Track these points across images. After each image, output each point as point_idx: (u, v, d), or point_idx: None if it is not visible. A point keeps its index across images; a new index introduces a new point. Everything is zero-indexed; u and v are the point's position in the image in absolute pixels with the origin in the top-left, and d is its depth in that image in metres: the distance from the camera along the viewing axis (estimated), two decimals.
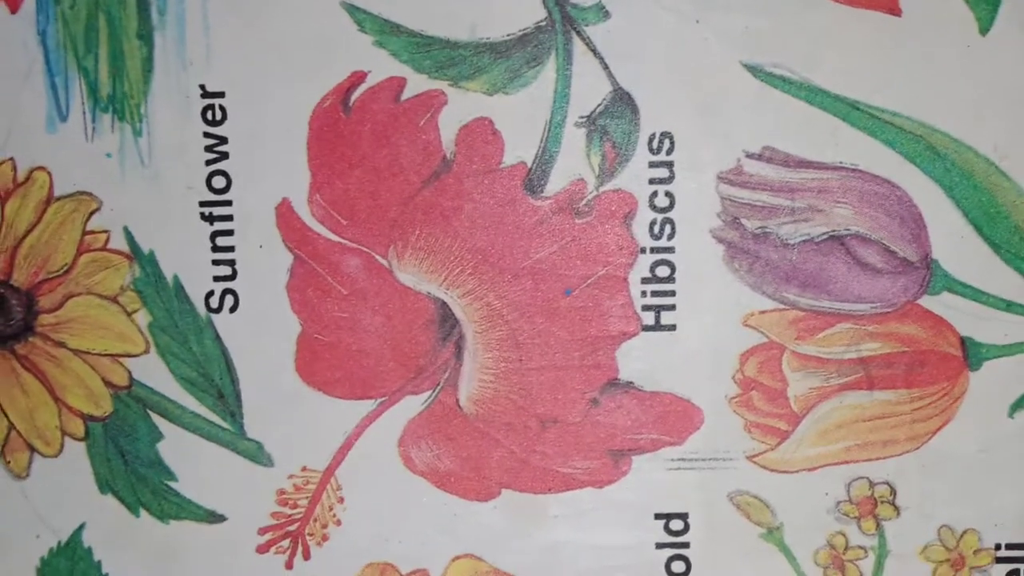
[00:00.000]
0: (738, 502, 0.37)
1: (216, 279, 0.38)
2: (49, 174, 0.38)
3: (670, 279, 0.37)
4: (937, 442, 0.36)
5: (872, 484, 0.37)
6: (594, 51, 0.36)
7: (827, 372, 0.36)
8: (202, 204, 0.37)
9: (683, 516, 0.38)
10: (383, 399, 0.38)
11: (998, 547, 0.37)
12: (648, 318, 0.37)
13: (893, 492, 0.37)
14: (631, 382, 0.37)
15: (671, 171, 0.36)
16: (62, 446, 0.39)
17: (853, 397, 0.36)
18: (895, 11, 0.35)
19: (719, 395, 0.37)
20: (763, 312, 0.36)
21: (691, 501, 0.37)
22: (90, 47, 0.37)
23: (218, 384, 0.38)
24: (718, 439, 0.37)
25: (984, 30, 0.35)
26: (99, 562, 0.39)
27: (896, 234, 0.36)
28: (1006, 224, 0.35)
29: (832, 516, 0.37)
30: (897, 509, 0.37)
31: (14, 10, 0.37)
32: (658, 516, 0.38)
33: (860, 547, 0.37)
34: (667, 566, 0.38)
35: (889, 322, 0.36)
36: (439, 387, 0.38)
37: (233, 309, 0.38)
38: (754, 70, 0.36)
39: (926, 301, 0.36)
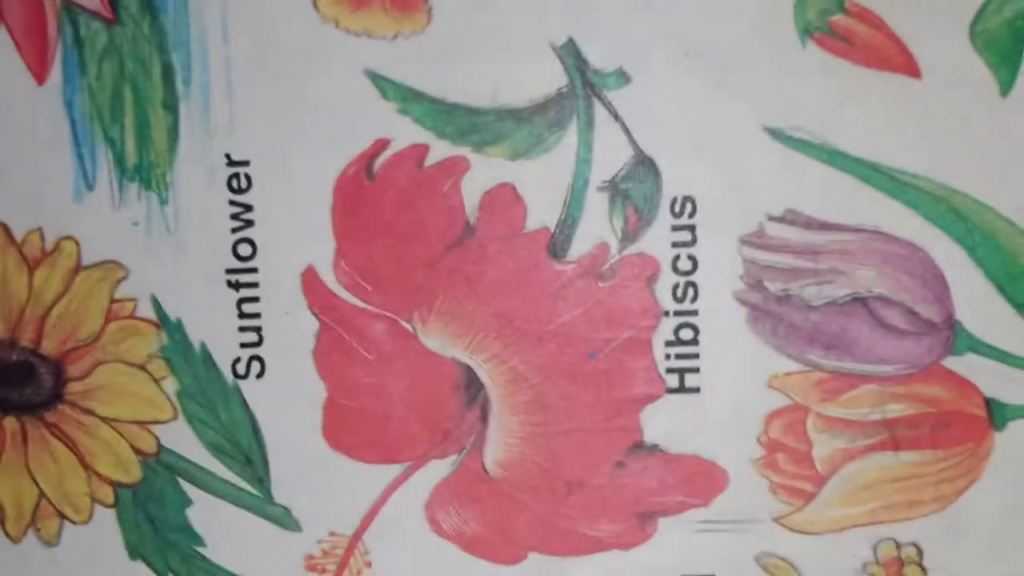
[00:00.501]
0: (765, 564, 0.37)
1: (243, 345, 0.38)
2: (77, 243, 0.38)
3: (694, 342, 0.37)
4: (963, 503, 0.36)
5: (899, 545, 0.37)
6: (615, 116, 0.36)
7: (852, 434, 0.36)
8: (228, 271, 0.38)
9: None
10: (409, 463, 0.38)
11: None
12: (672, 380, 0.37)
13: (920, 553, 0.37)
14: (656, 444, 0.37)
15: (693, 234, 0.36)
16: (92, 513, 0.39)
17: (878, 458, 0.36)
18: (915, 73, 0.35)
19: (744, 457, 0.37)
20: (787, 374, 0.37)
21: (718, 563, 0.38)
22: (116, 117, 0.37)
23: (245, 450, 0.38)
24: (744, 501, 0.37)
25: (1005, 91, 0.35)
26: None
27: (919, 295, 0.36)
28: None
29: None
30: (924, 571, 0.37)
31: (41, 81, 0.37)
32: None
33: None
34: None
35: (913, 383, 0.36)
36: (465, 451, 0.38)
37: (260, 375, 0.38)
38: (775, 133, 0.36)
39: (950, 362, 0.36)
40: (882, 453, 0.36)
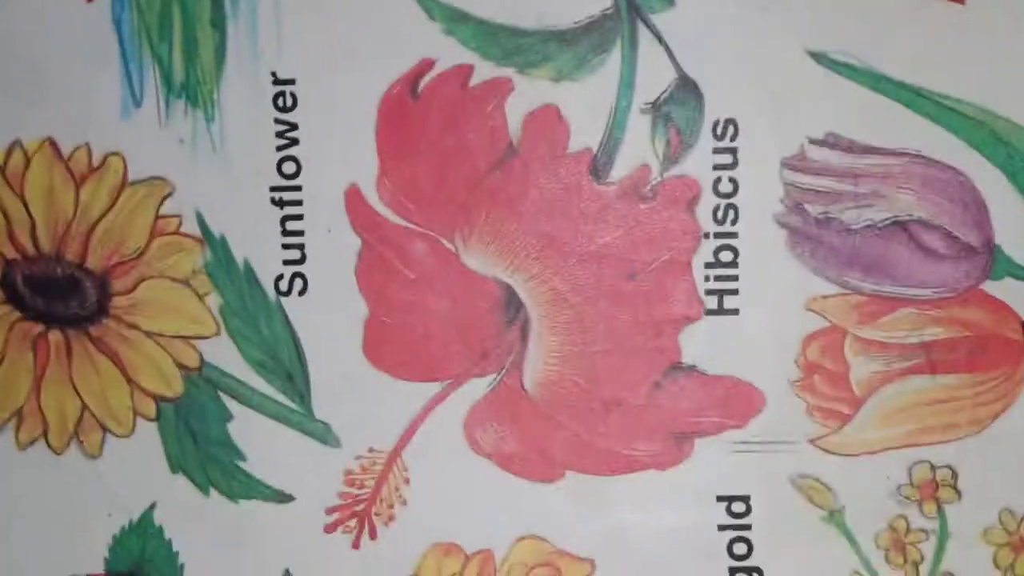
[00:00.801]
0: (800, 485, 0.38)
1: (286, 263, 0.38)
2: (123, 159, 0.38)
3: (733, 264, 0.37)
4: (999, 426, 0.37)
5: (934, 468, 0.37)
6: (659, 38, 0.36)
7: (889, 356, 0.37)
8: (272, 189, 0.38)
9: (745, 499, 0.38)
10: (449, 381, 0.38)
11: None
12: (711, 302, 0.37)
13: (954, 475, 0.37)
14: (694, 366, 0.38)
15: (735, 157, 0.37)
16: (134, 426, 0.40)
17: (915, 381, 0.37)
18: None
19: (781, 379, 0.37)
20: (825, 297, 0.37)
21: (753, 484, 0.38)
22: (164, 35, 0.38)
23: (287, 366, 0.39)
24: (780, 422, 0.37)
25: None
26: (170, 540, 0.40)
27: (958, 219, 0.36)
28: None
29: (893, 499, 0.37)
30: (958, 492, 0.37)
31: None
32: (720, 498, 0.38)
33: (921, 530, 0.37)
34: (729, 548, 0.38)
35: (951, 307, 0.36)
36: (504, 370, 0.38)
37: (302, 292, 0.38)
38: (819, 57, 0.36)
39: (988, 286, 0.36)
40: (919, 376, 0.37)
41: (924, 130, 0.36)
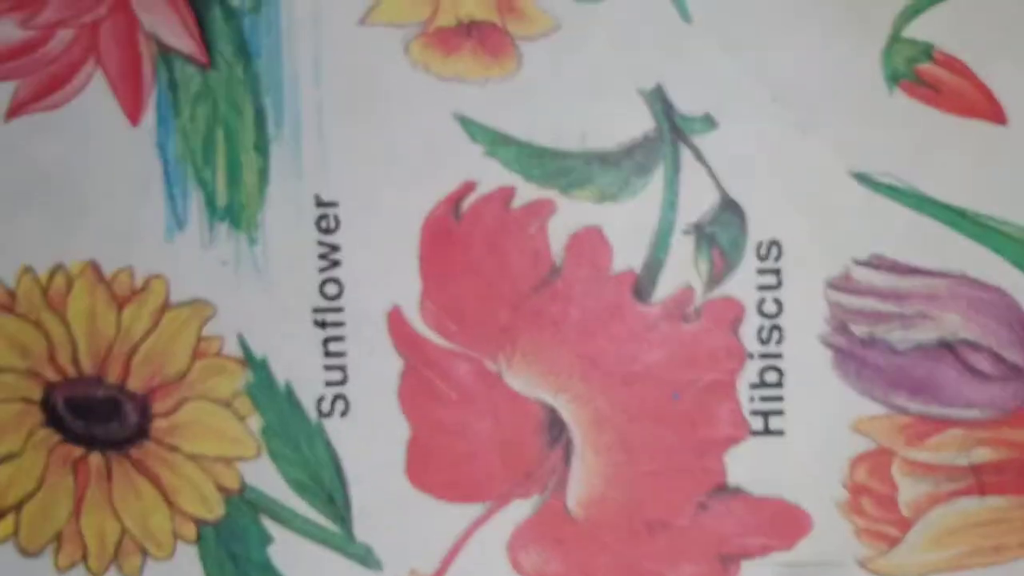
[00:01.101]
0: None
1: (328, 384, 0.38)
2: (166, 282, 0.38)
3: (778, 384, 0.37)
4: None
5: None
6: (701, 160, 0.37)
7: (937, 478, 0.36)
8: (315, 311, 0.38)
9: None
10: (492, 503, 0.38)
11: None
12: (756, 423, 0.37)
13: None
14: (739, 487, 0.37)
15: (779, 278, 0.37)
16: (174, 550, 0.39)
17: (964, 503, 0.36)
18: (1001, 120, 0.36)
19: (828, 500, 0.37)
20: (872, 418, 0.37)
21: None
22: (208, 159, 0.38)
23: (328, 488, 0.39)
24: (828, 544, 0.37)
25: None
26: None
27: (1005, 340, 0.36)
28: None
29: None
30: None
31: (135, 123, 0.38)
32: None
33: None
34: None
35: (1000, 428, 0.36)
36: (547, 491, 0.38)
37: (344, 414, 0.38)
38: (862, 178, 0.36)
39: None
40: (968, 498, 0.36)
41: (968, 251, 0.36)
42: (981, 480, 0.36)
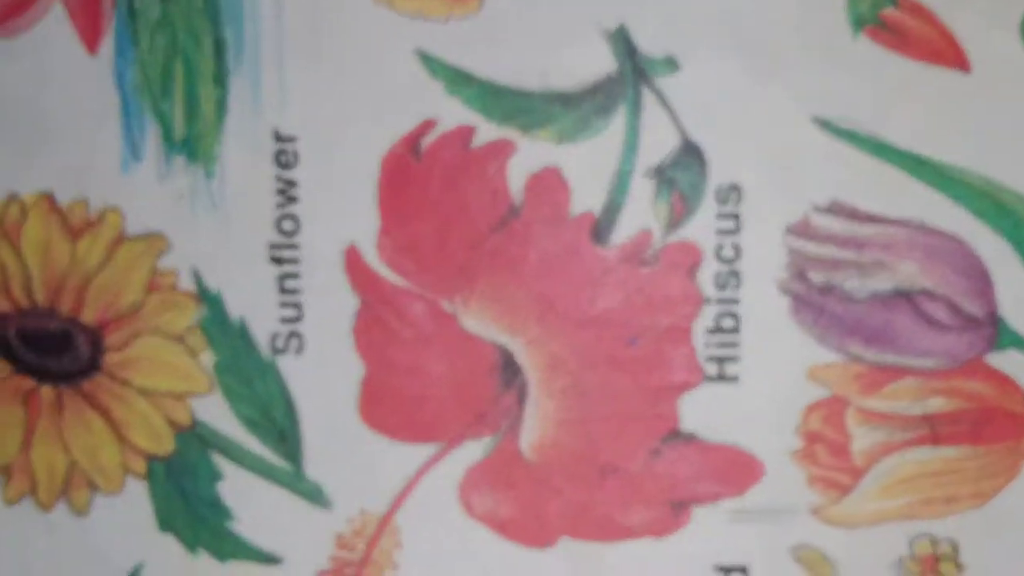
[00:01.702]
0: (800, 556, 0.37)
1: (282, 321, 0.38)
2: (121, 214, 0.38)
3: (735, 330, 0.37)
4: (1002, 500, 0.36)
5: (935, 541, 0.37)
6: (663, 102, 0.36)
7: (891, 427, 0.36)
8: (271, 246, 0.38)
9: (744, 569, 0.37)
10: (444, 444, 0.38)
11: None
12: (711, 369, 0.37)
13: (956, 550, 0.37)
14: (693, 433, 0.37)
15: (738, 223, 0.36)
16: (123, 484, 0.39)
17: (917, 453, 0.36)
18: (964, 67, 0.35)
19: (782, 448, 0.37)
20: (828, 366, 0.36)
21: (752, 553, 0.37)
22: (166, 90, 0.38)
23: (280, 425, 0.38)
24: (780, 492, 0.37)
25: None
26: None
27: (962, 290, 0.36)
28: None
29: (895, 572, 0.37)
30: (960, 567, 0.37)
31: (93, 51, 0.38)
32: (718, 568, 0.38)
33: None
34: None
35: (954, 378, 0.36)
36: (501, 433, 0.38)
37: (298, 351, 0.38)
38: (823, 124, 0.36)
39: (992, 358, 0.36)
40: (921, 448, 0.36)
41: (928, 199, 0.36)
42: (935, 430, 0.36)
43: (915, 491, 0.36)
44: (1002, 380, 0.36)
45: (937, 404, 0.36)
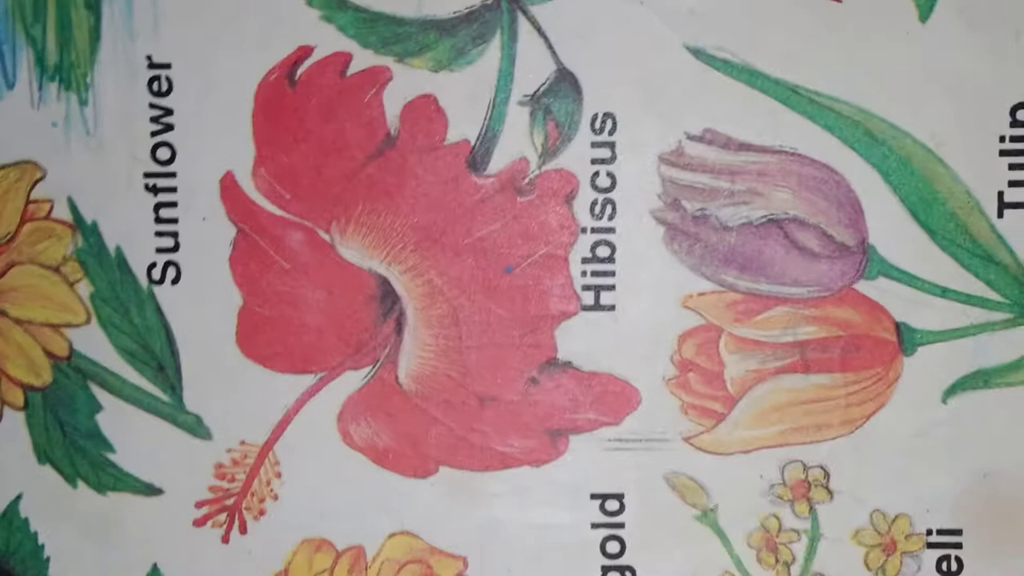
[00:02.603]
0: (673, 483, 0.37)
1: (159, 251, 0.38)
2: None
3: (610, 259, 0.37)
4: (871, 427, 0.37)
5: (806, 467, 0.37)
6: (539, 30, 0.36)
7: (764, 355, 0.37)
8: (146, 175, 0.38)
9: (619, 496, 0.38)
10: (323, 374, 0.38)
11: (929, 532, 0.37)
12: (588, 298, 0.37)
13: (827, 476, 0.37)
14: (570, 362, 0.37)
15: (613, 152, 0.36)
16: (1, 415, 0.39)
17: (789, 380, 0.37)
18: None
19: (657, 376, 0.37)
20: (702, 294, 0.37)
21: (627, 481, 0.38)
22: (38, 16, 0.37)
23: (158, 356, 0.38)
24: (655, 420, 0.37)
25: (924, 18, 0.35)
26: (35, 533, 0.39)
27: (834, 219, 0.36)
28: (942, 210, 0.36)
29: (766, 499, 0.37)
30: (830, 493, 0.37)
31: None
32: (594, 496, 0.38)
33: (793, 530, 0.37)
34: (602, 546, 0.38)
35: (826, 306, 0.36)
36: (379, 363, 0.38)
37: (175, 281, 0.38)
38: (697, 52, 0.36)
39: (862, 286, 0.36)
40: (793, 375, 0.37)
41: (800, 128, 0.36)
42: (806, 358, 0.36)
43: (787, 419, 0.37)
44: (872, 307, 0.36)
45: (808, 332, 0.36)
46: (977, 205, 0.36)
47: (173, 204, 0.38)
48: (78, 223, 0.38)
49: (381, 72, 0.37)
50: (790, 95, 0.36)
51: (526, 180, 0.37)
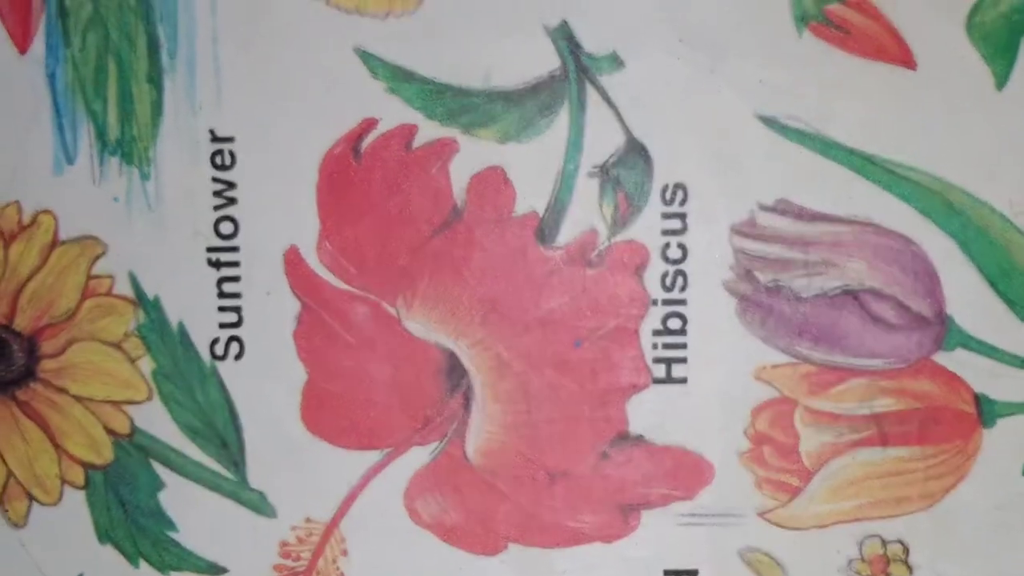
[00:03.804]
0: (748, 559, 0.37)
1: (222, 326, 0.37)
2: (55, 217, 0.37)
3: (682, 331, 0.36)
4: (950, 500, 0.36)
5: (884, 542, 0.36)
6: (607, 100, 0.36)
7: (839, 428, 0.36)
8: (209, 250, 0.37)
9: (693, 573, 0.37)
10: (389, 450, 0.37)
11: None
12: (659, 371, 0.36)
13: (906, 551, 0.36)
14: (641, 435, 0.37)
15: (684, 223, 0.36)
16: (61, 495, 0.38)
17: (866, 454, 0.36)
18: (910, 64, 0.35)
19: (730, 449, 0.36)
20: (775, 366, 0.36)
21: (701, 557, 0.37)
22: (99, 90, 0.37)
23: (221, 433, 0.37)
24: (729, 494, 0.37)
25: (1000, 85, 0.35)
26: None
27: (910, 289, 0.35)
28: (1021, 280, 0.35)
29: (844, 575, 0.37)
30: (910, 568, 0.36)
31: (23, 51, 0.37)
32: (668, 573, 0.37)
33: None
34: None
35: (903, 378, 0.36)
36: (446, 438, 0.37)
37: (238, 357, 0.37)
38: (769, 122, 0.35)
39: (940, 357, 0.36)
40: (870, 448, 0.36)
41: (875, 197, 0.35)
42: (883, 431, 0.36)
43: (864, 493, 0.36)
44: (950, 379, 0.36)
45: (885, 404, 0.36)
46: None
47: (236, 279, 0.37)
48: (140, 299, 0.37)
49: (448, 144, 0.36)
50: (864, 164, 0.35)
51: (595, 252, 0.36)
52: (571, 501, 0.37)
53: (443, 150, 0.36)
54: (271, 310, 0.37)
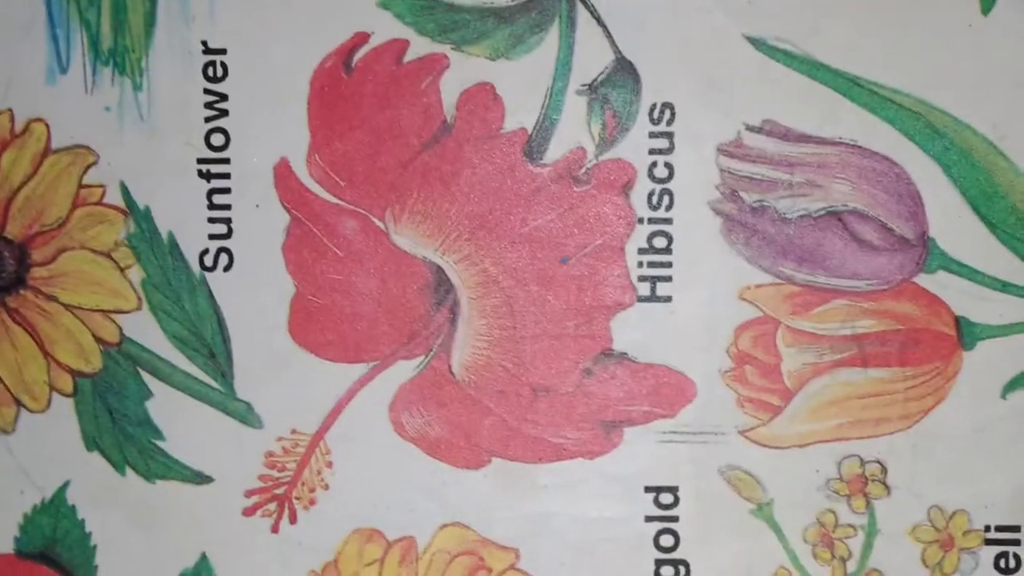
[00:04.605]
0: (729, 477, 0.37)
1: (211, 237, 0.38)
2: (47, 126, 0.37)
3: (667, 250, 0.37)
4: (929, 422, 0.36)
5: (863, 462, 0.37)
6: (598, 19, 0.36)
7: (821, 348, 0.36)
8: (200, 161, 0.37)
9: (673, 490, 0.37)
10: (375, 363, 0.38)
11: (988, 529, 0.37)
12: (644, 289, 0.37)
13: (884, 471, 0.37)
14: (625, 353, 0.37)
15: (671, 142, 0.36)
16: (49, 402, 0.38)
17: (846, 374, 0.36)
18: None
19: (712, 368, 0.37)
20: (759, 286, 0.36)
21: (682, 475, 0.37)
22: (93, 0, 0.37)
23: (209, 343, 0.38)
24: (710, 413, 0.37)
25: (986, 10, 0.35)
26: (83, 520, 0.39)
27: (893, 211, 0.36)
28: (1003, 204, 0.35)
29: (822, 494, 0.37)
30: (888, 488, 0.37)
31: None
32: (648, 489, 0.37)
33: (849, 525, 0.37)
34: (655, 540, 0.38)
35: (884, 300, 0.36)
36: (432, 352, 0.37)
37: (227, 268, 0.38)
38: (757, 43, 0.36)
39: (922, 279, 0.36)
40: (850, 369, 0.36)
41: (861, 120, 0.36)
42: (864, 351, 0.36)
43: (844, 413, 0.36)
44: (931, 301, 0.36)
45: (866, 325, 0.36)
46: None
47: (226, 191, 0.37)
48: (130, 208, 0.37)
49: (438, 59, 0.36)
50: (851, 87, 0.35)
51: (583, 170, 0.36)
52: (554, 417, 0.37)
53: (434, 65, 0.36)
54: (260, 222, 0.37)
